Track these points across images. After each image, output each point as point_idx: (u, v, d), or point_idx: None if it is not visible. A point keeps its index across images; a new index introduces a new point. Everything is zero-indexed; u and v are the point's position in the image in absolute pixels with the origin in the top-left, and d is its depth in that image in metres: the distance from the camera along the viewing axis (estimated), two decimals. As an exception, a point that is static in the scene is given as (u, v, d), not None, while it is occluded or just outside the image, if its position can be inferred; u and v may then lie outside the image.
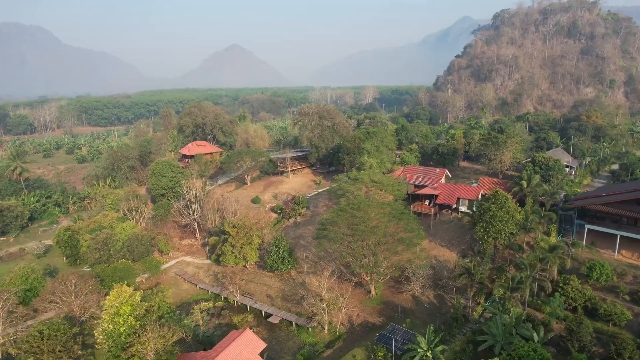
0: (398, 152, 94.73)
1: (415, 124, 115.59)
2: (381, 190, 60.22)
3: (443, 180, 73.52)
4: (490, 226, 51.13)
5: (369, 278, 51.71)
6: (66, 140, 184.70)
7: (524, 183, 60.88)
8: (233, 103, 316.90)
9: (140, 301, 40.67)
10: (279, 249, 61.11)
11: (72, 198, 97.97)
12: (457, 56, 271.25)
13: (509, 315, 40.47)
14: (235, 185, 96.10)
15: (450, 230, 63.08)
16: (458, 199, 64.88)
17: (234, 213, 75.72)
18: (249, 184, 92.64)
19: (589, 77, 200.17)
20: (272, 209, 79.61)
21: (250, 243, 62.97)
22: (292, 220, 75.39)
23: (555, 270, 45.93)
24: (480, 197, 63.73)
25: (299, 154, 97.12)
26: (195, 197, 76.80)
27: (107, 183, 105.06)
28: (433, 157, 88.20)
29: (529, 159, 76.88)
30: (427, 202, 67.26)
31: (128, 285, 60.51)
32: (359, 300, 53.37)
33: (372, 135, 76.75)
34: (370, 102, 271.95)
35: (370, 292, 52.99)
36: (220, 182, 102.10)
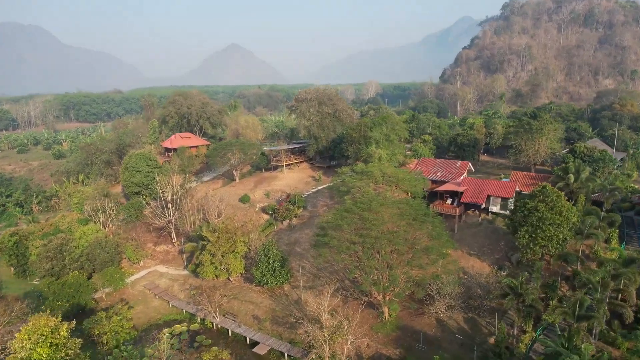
0: (408, 145, 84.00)
1: (425, 116, 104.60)
2: (396, 186, 49.27)
3: (465, 175, 62.72)
4: (539, 231, 40.27)
5: (381, 297, 40.83)
6: (46, 135, 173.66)
7: (571, 177, 50.01)
8: (229, 99, 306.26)
9: (71, 337, 29.67)
10: (268, 258, 50.25)
11: (36, 197, 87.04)
12: (465, 48, 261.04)
13: (580, 355, 29.64)
14: (223, 182, 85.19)
15: (480, 236, 52.19)
16: (488, 197, 53.97)
17: (218, 214, 64.95)
18: (237, 180, 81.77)
19: (608, 67, 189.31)
20: (263, 210, 68.75)
21: (233, 251, 52.13)
22: (286, 222, 64.52)
23: (634, 292, 34.99)
24: (515, 195, 52.91)
25: (296, 146, 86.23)
26: (173, 196, 65.93)
27: (80, 180, 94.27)
28: (450, 150, 77.31)
29: (566, 150, 65.98)
30: (449, 201, 56.36)
31: (82, 304, 50.19)
32: (369, 325, 42.48)
33: (381, 122, 65.84)
34: (372, 96, 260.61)
35: (383, 314, 42.11)
36: (206, 178, 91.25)
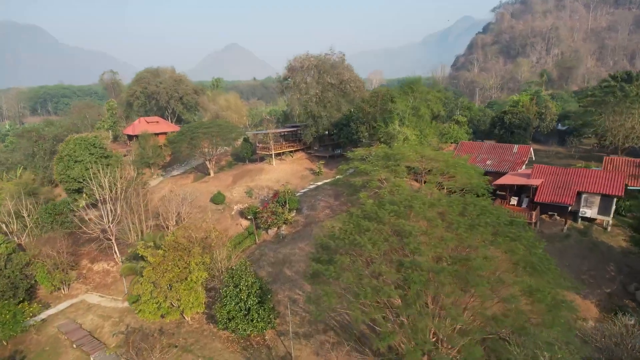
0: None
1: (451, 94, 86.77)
2: (447, 177, 31.41)
3: (524, 165, 45.08)
4: None
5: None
6: (8, 127, 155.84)
7: None
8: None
9: None
10: (239, 291, 32.51)
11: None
12: (479, 33, 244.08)
13: None
14: (195, 176, 67.46)
15: (570, 255, 34.37)
16: (579, 195, 36.15)
17: (177, 219, 47.52)
18: (212, 174, 64.10)
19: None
20: (242, 213, 51.08)
21: (186, 278, 34.39)
22: (272, 231, 46.81)
23: None
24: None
25: (289, 129, 68.55)
26: (115, 195, 48.21)
27: (18, 174, 76.61)
28: (494, 133, 59.53)
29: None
30: (513, 201, 38.59)
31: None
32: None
33: (407, 91, 47.99)
34: (377, 87, 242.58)
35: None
36: (175, 172, 73.63)
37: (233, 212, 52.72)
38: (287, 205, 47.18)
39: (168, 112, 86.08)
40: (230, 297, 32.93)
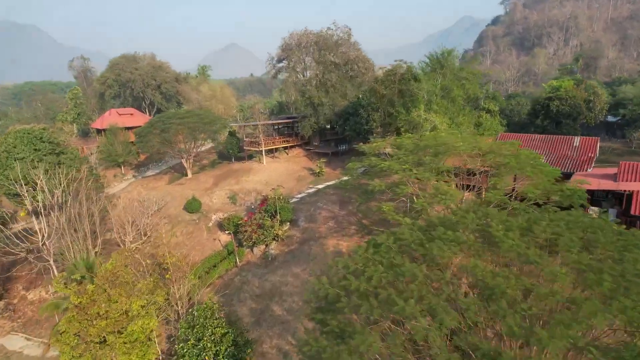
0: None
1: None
2: (522, 179, 20.72)
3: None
4: None
5: None
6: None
7: None
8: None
9: None
10: (202, 349, 22.05)
11: None
12: (489, 25, 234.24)
13: None
14: (170, 177, 56.97)
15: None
16: (696, 205, 25.48)
17: (142, 232, 37.31)
18: (190, 175, 53.57)
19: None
20: (221, 225, 40.49)
21: (125, 328, 23.83)
22: (259, 249, 36.25)
23: None
24: None
25: (283, 121, 58.06)
26: (58, 202, 37.73)
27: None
28: (535, 124, 48.99)
29: None
30: (592, 211, 27.94)
31: None
32: None
33: (435, 67, 37.23)
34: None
35: None
36: (150, 172, 63.21)
37: (211, 224, 42.18)
38: (279, 216, 36.61)
39: (145, 103, 75.57)
40: (187, 356, 22.56)
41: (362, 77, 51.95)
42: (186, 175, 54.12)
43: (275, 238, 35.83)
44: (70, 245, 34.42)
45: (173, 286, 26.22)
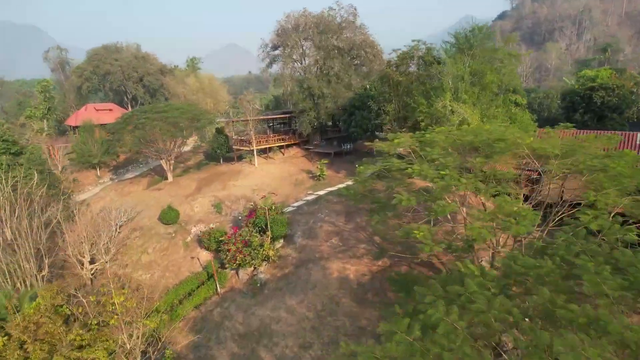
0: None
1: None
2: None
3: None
4: None
5: None
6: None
7: None
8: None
9: None
10: None
11: None
12: (495, 19, 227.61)
13: None
14: (150, 181, 50.18)
15: None
16: None
17: (103, 251, 30.71)
18: (170, 179, 46.80)
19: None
20: (201, 241, 33.70)
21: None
22: (246, 272, 29.42)
23: None
24: None
25: (278, 116, 51.33)
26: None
27: None
28: (574, 119, 42.15)
29: None
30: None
31: None
32: None
33: (462, 48, 30.25)
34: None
35: None
36: (129, 175, 56.56)
37: (189, 238, 35.40)
38: (268, 232, 29.83)
39: (128, 97, 68.83)
40: None
41: (369, 65, 45.16)
42: (167, 178, 47.34)
43: (266, 259, 29.03)
44: (5, 269, 27.61)
45: (122, 334, 19.42)
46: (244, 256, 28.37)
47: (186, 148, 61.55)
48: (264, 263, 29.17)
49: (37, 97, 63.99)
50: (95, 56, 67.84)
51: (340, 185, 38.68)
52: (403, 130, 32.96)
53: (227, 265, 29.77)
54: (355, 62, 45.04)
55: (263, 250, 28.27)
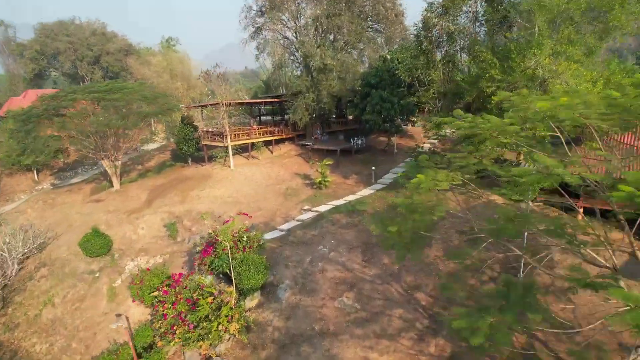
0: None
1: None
2: None
3: None
4: None
5: None
6: None
7: None
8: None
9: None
10: None
11: None
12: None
13: None
14: (93, 188, 38.05)
15: None
16: None
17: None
18: (117, 186, 34.76)
19: None
20: (130, 289, 21.54)
21: None
22: (198, 351, 17.21)
23: None
24: None
25: (265, 100, 39.32)
26: None
27: None
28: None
29: None
30: None
31: None
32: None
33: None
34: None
35: None
36: (75, 180, 44.61)
37: (120, 280, 23.32)
38: (237, 281, 17.81)
39: (85, 83, 56.86)
40: None
41: (389, 30, 33.10)
42: (113, 186, 35.32)
43: (228, 333, 16.99)
44: None
45: None
46: (189, 328, 16.38)
47: (152, 145, 49.76)
48: (227, 338, 17.16)
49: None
50: (44, 32, 55.93)
51: (351, 197, 26.79)
52: (453, 111, 20.90)
53: (164, 337, 17.77)
54: (370, 23, 33.01)
55: (218, 322, 16.23)
